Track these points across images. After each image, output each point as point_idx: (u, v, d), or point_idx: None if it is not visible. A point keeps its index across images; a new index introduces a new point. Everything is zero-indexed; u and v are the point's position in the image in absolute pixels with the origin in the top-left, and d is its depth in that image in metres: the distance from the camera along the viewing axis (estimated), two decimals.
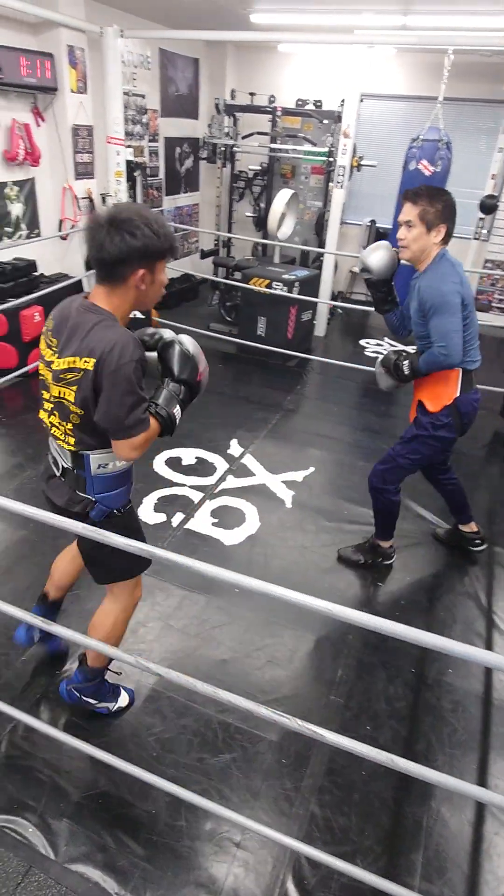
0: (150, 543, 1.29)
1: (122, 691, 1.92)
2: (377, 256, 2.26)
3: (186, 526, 2.86)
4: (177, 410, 1.49)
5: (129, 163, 4.95)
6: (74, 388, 1.37)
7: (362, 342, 5.69)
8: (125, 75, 4.82)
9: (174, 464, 3.35)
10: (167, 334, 1.56)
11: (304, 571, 2.63)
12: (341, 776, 1.79)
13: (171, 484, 3.16)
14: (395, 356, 2.27)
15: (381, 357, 2.39)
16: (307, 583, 2.56)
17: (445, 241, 2.09)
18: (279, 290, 4.70)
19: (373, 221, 6.25)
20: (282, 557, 2.71)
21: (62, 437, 1.48)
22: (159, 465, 3.32)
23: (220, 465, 3.39)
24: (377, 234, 6.17)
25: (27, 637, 1.98)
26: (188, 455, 3.45)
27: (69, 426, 1.45)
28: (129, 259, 1.32)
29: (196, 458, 3.44)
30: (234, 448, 3.58)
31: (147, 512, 2.92)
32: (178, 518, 2.89)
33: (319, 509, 3.07)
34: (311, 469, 3.42)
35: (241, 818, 1.40)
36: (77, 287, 4.72)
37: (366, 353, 5.41)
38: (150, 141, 5.68)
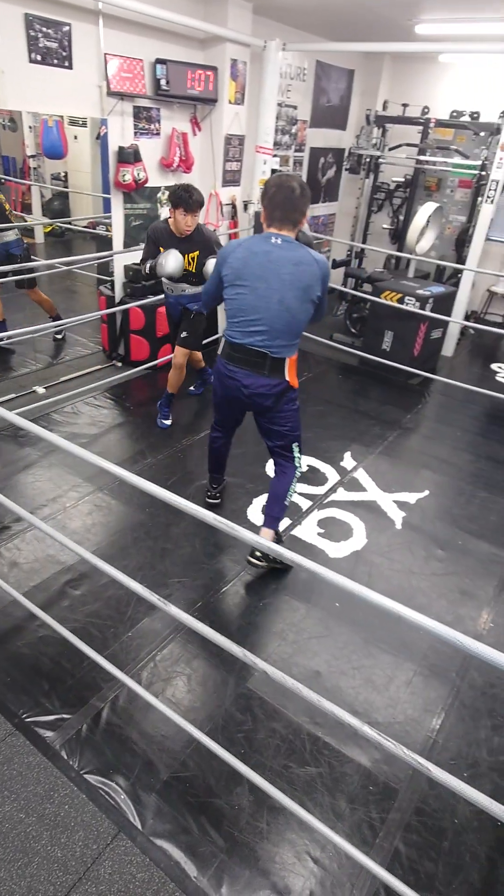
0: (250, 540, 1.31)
1: (169, 419, 3.77)
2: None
3: (292, 532, 2.87)
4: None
5: (273, 171, 5.08)
6: None
7: (493, 366, 5.39)
8: (280, 87, 4.95)
9: None
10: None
11: (409, 597, 2.53)
12: (431, 819, 1.70)
13: None
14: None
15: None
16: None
17: (269, 223, 2.20)
18: (411, 305, 4.58)
19: None
20: (386, 579, 2.63)
21: None
22: (271, 468, 3.36)
23: (332, 475, 3.37)
24: None
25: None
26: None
27: None
28: (170, 201, 3.14)
29: (308, 465, 3.45)
30: (347, 461, 3.54)
31: (256, 513, 2.97)
32: (284, 523, 2.91)
33: (432, 535, 2.94)
34: (426, 492, 3.29)
35: (331, 832, 1.38)
36: None
37: (496, 377, 5.11)
38: (297, 151, 5.78)
